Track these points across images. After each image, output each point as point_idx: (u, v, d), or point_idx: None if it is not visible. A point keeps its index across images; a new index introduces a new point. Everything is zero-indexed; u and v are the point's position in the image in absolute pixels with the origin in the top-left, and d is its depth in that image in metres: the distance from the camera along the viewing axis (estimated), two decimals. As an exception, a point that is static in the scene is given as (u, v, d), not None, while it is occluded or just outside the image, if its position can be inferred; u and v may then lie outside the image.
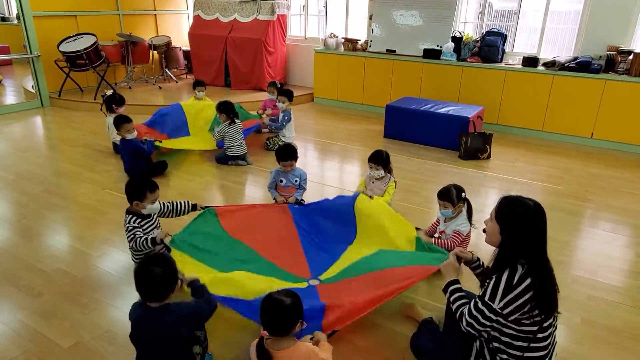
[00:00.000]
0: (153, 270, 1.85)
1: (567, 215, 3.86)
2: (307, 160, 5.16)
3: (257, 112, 5.82)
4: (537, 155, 5.42)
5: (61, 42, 6.93)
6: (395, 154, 5.24)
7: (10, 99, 7.95)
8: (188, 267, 2.48)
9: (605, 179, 4.69)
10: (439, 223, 3.11)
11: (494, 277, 1.85)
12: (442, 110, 5.58)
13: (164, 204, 2.95)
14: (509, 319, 1.84)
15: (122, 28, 8.16)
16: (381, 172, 3.51)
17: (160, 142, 4.70)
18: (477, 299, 1.90)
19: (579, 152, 5.57)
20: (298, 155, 3.59)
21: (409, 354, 2.26)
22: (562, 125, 5.93)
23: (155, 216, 2.92)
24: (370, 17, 7.24)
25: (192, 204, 3.05)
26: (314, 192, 4.13)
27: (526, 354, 1.87)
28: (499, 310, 1.82)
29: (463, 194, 2.91)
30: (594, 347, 2.38)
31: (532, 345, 1.86)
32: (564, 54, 6.11)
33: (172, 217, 3.01)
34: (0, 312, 2.55)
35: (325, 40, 7.53)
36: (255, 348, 1.87)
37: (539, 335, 1.84)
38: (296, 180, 3.56)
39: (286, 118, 5.30)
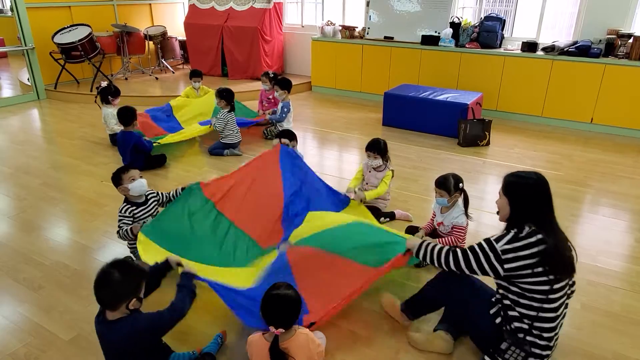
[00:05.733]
0: (111, 273, 1.74)
1: (566, 200, 3.86)
2: (306, 149, 5.14)
3: (258, 112, 5.76)
4: (537, 141, 5.40)
5: (56, 33, 6.87)
6: (394, 142, 5.22)
7: (6, 92, 7.89)
8: (152, 254, 2.47)
9: (604, 164, 4.68)
10: (434, 217, 3.08)
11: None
12: (441, 97, 5.55)
13: (161, 193, 2.98)
14: (512, 273, 1.90)
15: (116, 18, 8.07)
16: (379, 161, 3.47)
17: (159, 143, 4.67)
18: (481, 241, 1.99)
19: (578, 137, 5.55)
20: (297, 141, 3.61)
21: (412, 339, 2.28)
22: (561, 110, 5.90)
23: (151, 203, 2.92)
24: (368, 4, 7.16)
25: (182, 188, 3.03)
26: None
27: (540, 314, 1.92)
28: (500, 254, 1.90)
29: (461, 184, 2.89)
30: (593, 331, 2.39)
31: (545, 306, 1.91)
32: (563, 39, 6.06)
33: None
34: (1, 306, 2.56)
35: (322, 28, 7.46)
36: (269, 349, 1.85)
37: (551, 296, 1.90)
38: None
39: (285, 109, 5.26)
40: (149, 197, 2.90)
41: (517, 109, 6.17)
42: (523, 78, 5.98)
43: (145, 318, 1.84)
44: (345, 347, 2.27)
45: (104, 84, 5.11)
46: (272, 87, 5.59)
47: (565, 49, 5.71)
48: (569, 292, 2.01)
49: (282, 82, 5.28)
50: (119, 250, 3.08)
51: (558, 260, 1.89)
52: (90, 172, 4.37)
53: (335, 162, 4.91)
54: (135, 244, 2.64)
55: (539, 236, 1.89)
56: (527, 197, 1.96)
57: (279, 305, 1.86)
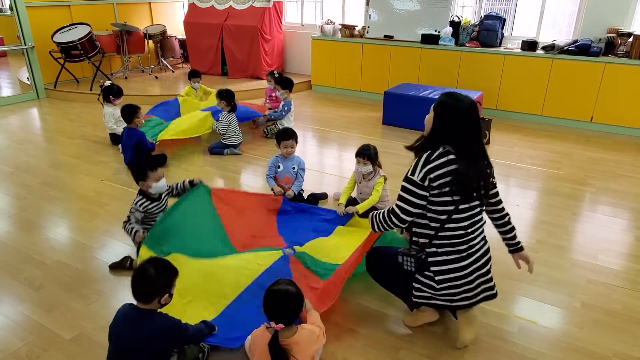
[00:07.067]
0: (148, 269, 1.91)
1: (566, 199, 3.86)
2: (306, 148, 5.14)
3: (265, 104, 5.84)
4: (537, 140, 5.40)
5: (55, 32, 6.86)
6: (394, 141, 5.23)
7: (6, 91, 7.88)
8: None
9: (604, 163, 4.69)
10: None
11: (416, 158, 2.07)
12: (441, 96, 5.54)
13: (171, 186, 3.01)
14: (431, 191, 2.00)
15: (116, 17, 8.06)
16: (369, 167, 3.35)
17: (157, 141, 4.67)
18: (402, 182, 2.10)
19: (578, 136, 5.55)
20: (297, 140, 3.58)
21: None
22: (561, 109, 5.90)
23: (164, 198, 2.95)
24: (367, 3, 7.16)
25: (189, 181, 3.05)
26: (313, 180, 4.13)
27: (440, 234, 2.05)
28: (421, 182, 2.00)
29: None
30: (593, 330, 2.39)
31: (447, 225, 2.03)
32: (563, 37, 6.06)
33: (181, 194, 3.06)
34: (2, 305, 2.56)
35: (322, 26, 7.45)
36: (269, 345, 1.86)
37: (454, 217, 2.02)
38: (294, 168, 3.54)
39: (286, 108, 5.26)
40: (163, 193, 2.94)
41: (517, 107, 6.17)
42: (523, 77, 5.98)
43: (173, 319, 1.97)
44: (346, 345, 2.27)
45: (108, 83, 5.11)
46: (275, 86, 5.67)
47: (565, 48, 5.71)
48: (477, 219, 2.09)
49: (283, 81, 5.30)
50: (120, 249, 3.08)
51: (465, 183, 1.97)
52: (91, 171, 4.37)
53: (335, 161, 4.91)
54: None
55: (451, 157, 1.98)
56: (452, 118, 2.02)
57: (279, 301, 1.89)
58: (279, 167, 3.54)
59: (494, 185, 2.17)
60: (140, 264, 1.97)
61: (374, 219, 2.28)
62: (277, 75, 5.80)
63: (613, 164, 4.67)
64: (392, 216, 2.15)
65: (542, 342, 2.30)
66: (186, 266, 2.48)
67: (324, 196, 3.80)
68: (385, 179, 3.42)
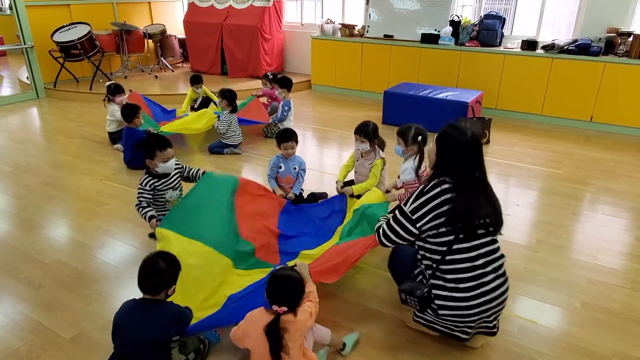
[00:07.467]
0: (158, 261, 1.97)
1: (566, 199, 3.86)
2: (306, 147, 5.14)
3: (252, 94, 5.74)
4: (536, 139, 5.40)
5: (55, 32, 6.85)
6: (394, 141, 5.21)
7: (5, 90, 7.87)
8: (172, 242, 2.49)
9: (604, 163, 4.69)
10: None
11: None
12: (441, 96, 5.54)
13: (184, 167, 3.04)
14: (421, 227, 1.95)
15: (116, 17, 8.06)
16: (366, 146, 3.26)
17: (159, 131, 4.65)
18: (396, 210, 2.08)
19: (578, 135, 5.55)
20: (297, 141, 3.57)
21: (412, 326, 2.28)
22: (561, 109, 5.90)
23: (174, 175, 2.95)
24: (367, 2, 7.15)
25: (203, 172, 3.11)
26: (313, 180, 4.12)
27: (442, 267, 1.98)
28: (409, 214, 1.97)
29: (420, 137, 2.90)
30: (593, 329, 2.39)
31: (449, 258, 1.95)
32: (563, 37, 6.06)
33: (191, 181, 3.10)
34: (1, 304, 2.55)
35: (322, 26, 7.45)
36: (268, 327, 1.87)
37: (447, 258, 1.96)
38: (295, 168, 3.54)
39: (286, 108, 5.26)
40: (173, 170, 2.94)
41: (517, 107, 6.16)
42: (523, 76, 5.98)
43: (178, 306, 2.05)
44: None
45: (108, 83, 5.13)
46: (272, 87, 5.70)
47: (565, 47, 5.71)
48: (488, 250, 1.97)
49: (282, 81, 5.29)
50: (120, 249, 3.08)
51: (461, 220, 1.90)
52: (90, 171, 4.36)
53: (335, 160, 4.90)
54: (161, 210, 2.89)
55: (445, 186, 1.93)
56: (453, 150, 1.98)
57: (283, 285, 1.94)
58: (280, 167, 3.53)
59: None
60: (148, 257, 2.00)
61: (376, 228, 2.25)
62: (272, 77, 5.80)
63: (613, 163, 4.67)
64: (386, 231, 2.12)
65: (542, 342, 2.30)
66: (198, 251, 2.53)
67: (323, 195, 3.80)
68: (384, 163, 3.35)
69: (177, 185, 3.05)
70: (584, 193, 4.01)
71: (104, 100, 5.03)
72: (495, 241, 2.00)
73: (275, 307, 1.89)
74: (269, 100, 5.87)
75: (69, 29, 6.97)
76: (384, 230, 2.13)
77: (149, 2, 8.68)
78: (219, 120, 4.78)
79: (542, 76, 5.86)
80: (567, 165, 4.61)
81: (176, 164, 2.99)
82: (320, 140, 5.44)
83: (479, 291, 1.95)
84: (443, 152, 2.01)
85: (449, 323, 2.06)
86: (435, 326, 2.13)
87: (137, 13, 8.47)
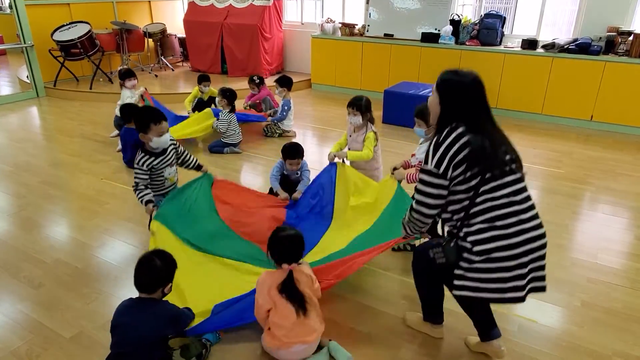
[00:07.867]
0: (154, 259, 1.98)
1: (567, 198, 3.86)
2: (306, 147, 5.09)
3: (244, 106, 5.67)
4: (537, 138, 5.39)
5: (55, 30, 6.84)
6: (395, 140, 5.23)
7: (5, 89, 7.87)
8: (166, 242, 2.54)
9: (605, 162, 4.68)
10: (413, 155, 3.02)
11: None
12: (441, 95, 5.53)
13: (179, 146, 3.02)
14: (451, 177, 1.81)
15: (116, 16, 8.05)
16: (358, 119, 3.27)
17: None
18: (418, 176, 1.96)
19: (578, 135, 5.55)
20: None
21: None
22: (561, 108, 5.90)
23: (170, 152, 2.92)
24: (367, 1, 7.15)
25: (198, 164, 3.13)
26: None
27: (478, 204, 1.81)
28: (434, 170, 1.82)
29: None
30: (593, 329, 2.39)
31: (483, 197, 1.79)
32: (563, 36, 6.06)
33: (183, 167, 3.10)
34: (1, 304, 2.55)
35: (322, 25, 7.44)
36: (284, 284, 2.03)
37: (478, 200, 1.80)
38: (297, 173, 3.54)
39: (286, 107, 5.25)
40: (168, 146, 2.90)
41: (518, 106, 6.16)
42: (523, 76, 5.97)
43: (174, 306, 2.08)
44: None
45: (119, 68, 5.15)
46: (259, 90, 5.68)
47: (565, 47, 5.71)
48: (520, 187, 1.83)
49: (281, 80, 5.27)
50: (120, 248, 3.08)
51: (487, 157, 1.78)
52: (90, 170, 4.36)
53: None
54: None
55: (459, 130, 1.81)
56: (458, 95, 1.85)
57: (288, 243, 2.07)
58: (285, 170, 3.53)
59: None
60: (144, 256, 2.01)
61: (402, 222, 2.11)
62: (257, 80, 5.66)
63: (613, 162, 4.67)
64: (413, 213, 1.96)
65: (542, 341, 2.30)
66: (189, 257, 2.58)
67: None
68: (377, 137, 3.35)
69: (174, 161, 2.98)
70: (584, 192, 4.01)
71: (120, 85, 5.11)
72: (521, 180, 1.86)
73: (285, 266, 2.04)
74: (259, 102, 5.78)
75: (69, 28, 6.97)
76: (415, 200, 1.93)
77: (149, 1, 8.67)
78: (218, 119, 4.78)
79: (542, 75, 5.85)
80: (568, 164, 4.61)
81: (170, 139, 2.87)
82: (320, 139, 5.44)
83: (519, 228, 1.79)
84: (448, 100, 1.88)
85: (498, 276, 1.80)
86: (483, 294, 1.84)
87: (137, 12, 8.47)
